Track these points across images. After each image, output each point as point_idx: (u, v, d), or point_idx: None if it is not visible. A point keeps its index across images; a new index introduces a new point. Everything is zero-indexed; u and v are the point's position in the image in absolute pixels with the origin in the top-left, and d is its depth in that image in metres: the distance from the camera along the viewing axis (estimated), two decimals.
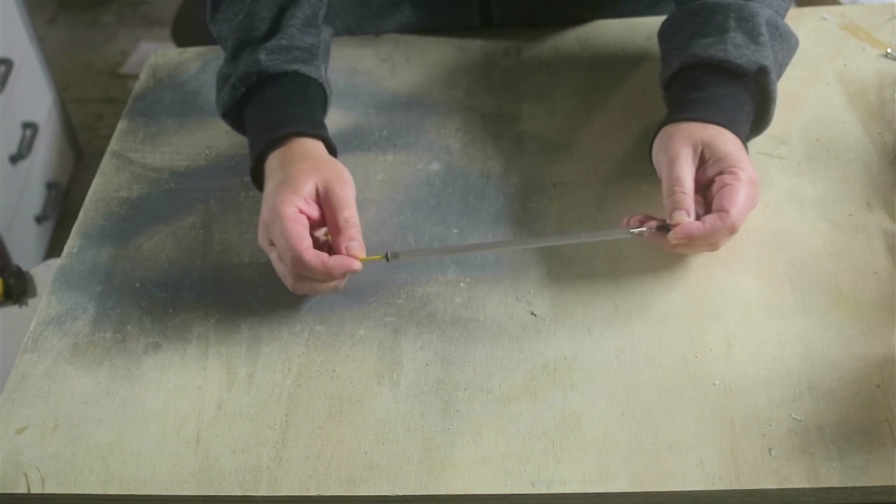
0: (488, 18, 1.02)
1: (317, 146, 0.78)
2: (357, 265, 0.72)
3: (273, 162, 0.77)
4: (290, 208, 0.72)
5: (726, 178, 0.71)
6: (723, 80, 0.77)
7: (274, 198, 0.73)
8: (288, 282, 0.73)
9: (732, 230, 0.70)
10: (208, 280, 0.80)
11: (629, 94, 0.93)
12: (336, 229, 0.73)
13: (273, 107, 0.80)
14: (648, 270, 0.76)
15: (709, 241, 0.71)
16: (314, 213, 0.74)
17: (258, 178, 0.79)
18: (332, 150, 0.80)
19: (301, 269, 0.71)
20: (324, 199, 0.74)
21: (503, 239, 0.81)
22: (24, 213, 1.91)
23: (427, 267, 0.78)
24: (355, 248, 0.72)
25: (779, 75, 0.80)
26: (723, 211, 0.70)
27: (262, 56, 0.80)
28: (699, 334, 0.71)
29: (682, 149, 0.73)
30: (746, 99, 0.77)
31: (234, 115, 0.83)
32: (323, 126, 0.81)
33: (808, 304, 0.72)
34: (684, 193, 0.72)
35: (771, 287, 0.74)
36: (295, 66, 0.81)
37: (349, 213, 0.73)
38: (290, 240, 0.70)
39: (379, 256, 0.74)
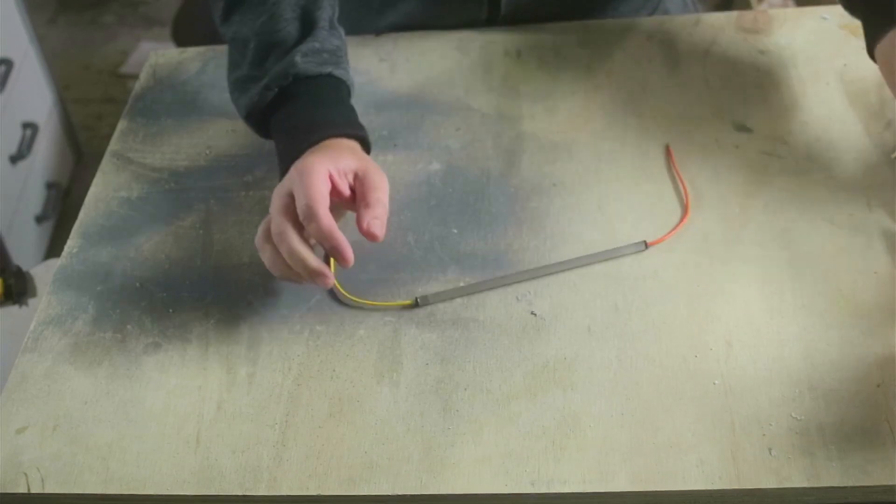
0: (496, 13, 1.02)
1: (356, 145, 0.78)
2: (331, 283, 0.71)
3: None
4: (322, 168, 0.71)
5: None
6: None
7: (307, 158, 0.72)
8: (276, 269, 0.72)
9: None
10: (208, 280, 0.80)
11: (629, 94, 0.93)
12: (365, 204, 0.72)
13: (311, 109, 0.79)
14: (649, 270, 0.76)
15: None
16: (345, 188, 0.73)
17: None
18: (368, 150, 0.80)
19: (309, 220, 0.70)
20: (361, 179, 0.73)
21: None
22: (24, 213, 1.91)
23: (427, 267, 0.78)
24: (377, 226, 0.71)
25: None
26: None
27: (298, 58, 0.79)
28: (699, 334, 0.71)
29: None
30: None
31: (259, 117, 0.82)
32: (362, 126, 0.81)
33: (808, 304, 0.72)
34: None
35: (771, 287, 0.74)
36: (329, 69, 0.81)
37: (382, 195, 0.73)
38: (311, 189, 0.70)
39: (409, 302, 0.75)
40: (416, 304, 0.75)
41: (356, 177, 0.74)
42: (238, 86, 0.84)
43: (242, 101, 0.83)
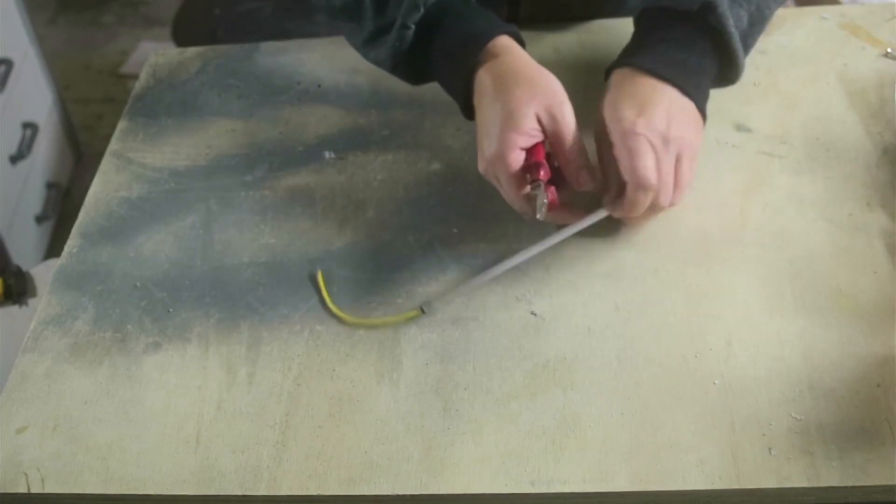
0: (515, 14, 1.02)
1: (517, 49, 0.78)
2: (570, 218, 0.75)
3: (485, 81, 0.76)
4: (513, 153, 0.72)
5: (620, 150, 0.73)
6: (673, 23, 0.78)
7: (499, 138, 0.73)
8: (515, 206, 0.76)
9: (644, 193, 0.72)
10: (208, 280, 0.80)
11: None
12: (564, 160, 0.74)
13: (457, 26, 0.79)
14: (649, 270, 0.76)
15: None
16: (539, 138, 0.74)
17: (468, 104, 0.79)
18: (523, 44, 0.80)
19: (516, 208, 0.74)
20: (548, 131, 0.74)
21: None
22: (24, 213, 1.91)
23: (427, 267, 0.78)
24: (586, 179, 0.74)
25: (752, 15, 0.79)
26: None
27: None
28: (699, 333, 0.71)
29: (644, 131, 0.72)
30: (696, 38, 0.77)
31: (406, 61, 0.82)
32: (509, 24, 0.80)
33: (808, 303, 0.72)
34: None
35: (771, 287, 0.74)
36: None
37: (574, 141, 0.73)
38: (510, 189, 0.74)
39: (414, 312, 0.74)
40: (421, 312, 0.74)
41: (541, 123, 0.74)
42: (370, 44, 0.83)
43: (383, 54, 0.82)
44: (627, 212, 0.74)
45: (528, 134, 0.73)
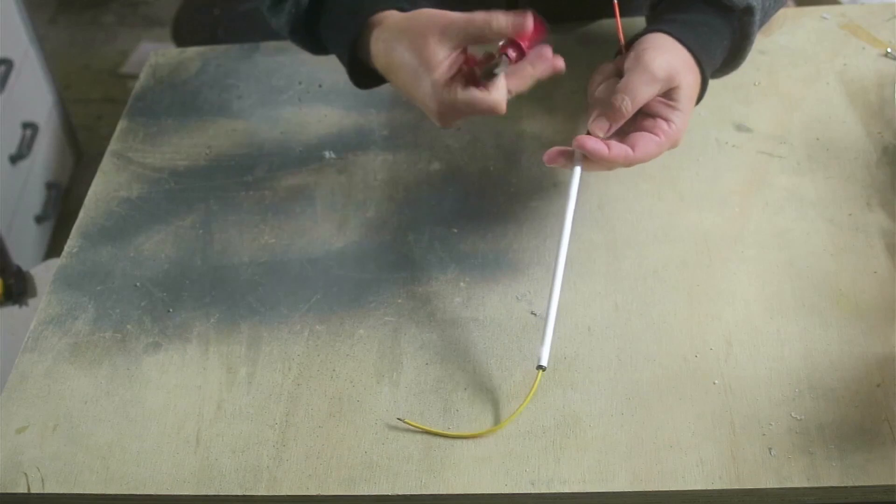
0: None
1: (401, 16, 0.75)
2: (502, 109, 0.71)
3: (382, 39, 0.74)
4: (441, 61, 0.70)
5: (660, 124, 0.71)
6: (709, 10, 0.77)
7: (419, 69, 0.71)
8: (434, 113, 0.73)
9: (628, 166, 0.71)
10: (208, 280, 0.80)
11: None
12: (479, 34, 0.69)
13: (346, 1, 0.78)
14: (649, 270, 0.76)
15: (604, 166, 0.72)
16: (452, 55, 0.71)
17: (357, 73, 0.77)
18: None
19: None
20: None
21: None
22: (24, 213, 1.91)
23: (427, 266, 0.78)
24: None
25: (761, 23, 0.80)
26: (631, 150, 0.70)
27: None
28: (699, 334, 0.71)
29: (660, 70, 0.71)
30: (726, 34, 0.77)
31: (303, 29, 0.81)
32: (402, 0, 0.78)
33: (808, 303, 0.72)
34: (626, 110, 0.71)
35: (771, 287, 0.74)
36: None
37: (465, 18, 0.69)
38: (471, 96, 0.71)
39: (539, 375, 0.67)
40: (543, 370, 0.67)
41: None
42: (272, 10, 0.83)
43: (283, 20, 0.82)
44: (619, 157, 0.71)
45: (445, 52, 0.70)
